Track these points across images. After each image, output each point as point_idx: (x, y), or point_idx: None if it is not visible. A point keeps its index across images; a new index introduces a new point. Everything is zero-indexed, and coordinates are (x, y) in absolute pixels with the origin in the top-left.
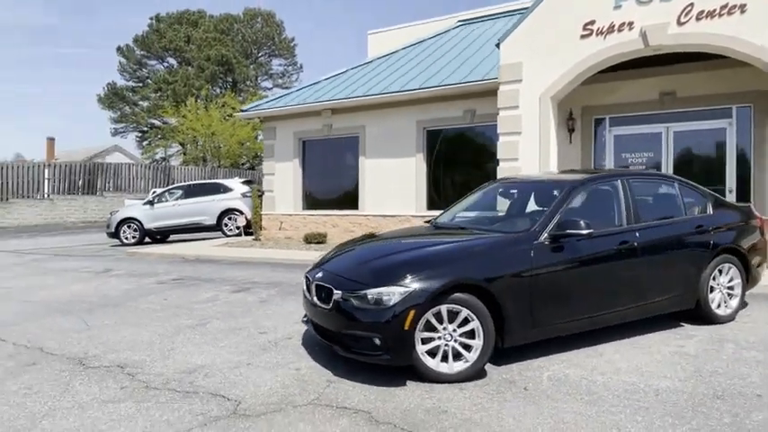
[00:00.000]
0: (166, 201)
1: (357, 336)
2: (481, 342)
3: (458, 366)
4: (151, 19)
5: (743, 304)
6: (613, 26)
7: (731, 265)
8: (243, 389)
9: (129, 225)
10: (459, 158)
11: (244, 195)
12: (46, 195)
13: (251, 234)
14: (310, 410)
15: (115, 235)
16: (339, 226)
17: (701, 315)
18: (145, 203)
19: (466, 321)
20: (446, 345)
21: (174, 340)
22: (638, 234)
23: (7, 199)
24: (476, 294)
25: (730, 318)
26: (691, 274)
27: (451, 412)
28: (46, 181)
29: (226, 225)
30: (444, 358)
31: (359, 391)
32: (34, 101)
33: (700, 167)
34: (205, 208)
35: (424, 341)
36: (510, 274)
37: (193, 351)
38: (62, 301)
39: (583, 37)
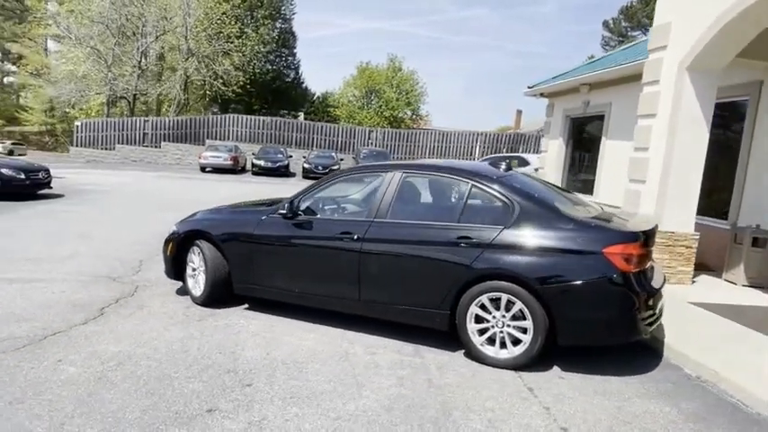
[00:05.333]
0: None
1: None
2: (203, 277)
3: (196, 292)
4: None
5: (535, 354)
6: None
7: (516, 299)
8: (145, 273)
9: None
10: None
11: (536, 170)
12: (475, 158)
13: None
14: (125, 288)
15: None
16: None
17: (463, 347)
18: None
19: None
20: (197, 274)
21: None
22: (369, 228)
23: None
24: (211, 243)
25: (510, 365)
26: (437, 292)
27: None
28: (477, 147)
29: None
30: (196, 283)
31: (159, 287)
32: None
33: None
34: None
35: (193, 269)
36: (235, 234)
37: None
38: None
39: None
